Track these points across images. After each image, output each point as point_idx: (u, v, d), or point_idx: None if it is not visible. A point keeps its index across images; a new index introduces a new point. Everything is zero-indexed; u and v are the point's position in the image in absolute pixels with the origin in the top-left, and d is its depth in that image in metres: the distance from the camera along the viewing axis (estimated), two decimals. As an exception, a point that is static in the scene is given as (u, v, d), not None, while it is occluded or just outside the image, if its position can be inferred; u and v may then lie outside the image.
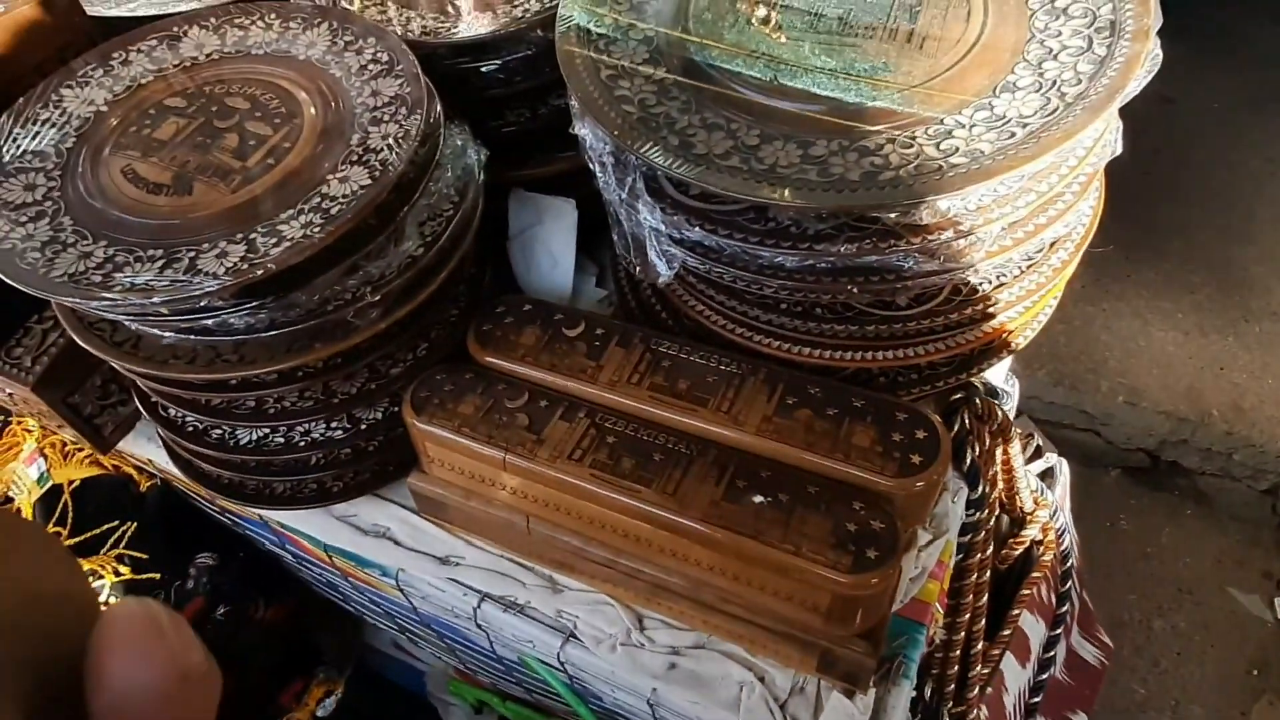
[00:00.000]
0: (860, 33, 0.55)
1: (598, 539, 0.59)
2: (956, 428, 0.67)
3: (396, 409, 0.64)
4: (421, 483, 0.65)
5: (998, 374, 0.77)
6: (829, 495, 0.53)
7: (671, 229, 0.52)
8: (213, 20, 0.64)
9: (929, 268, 0.50)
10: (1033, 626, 0.91)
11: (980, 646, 0.78)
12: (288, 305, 0.53)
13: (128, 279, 0.49)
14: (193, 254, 0.51)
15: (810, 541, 0.51)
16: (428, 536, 0.67)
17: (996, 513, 0.79)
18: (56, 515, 0.87)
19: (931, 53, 0.53)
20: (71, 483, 0.88)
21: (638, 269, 0.55)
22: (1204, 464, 1.74)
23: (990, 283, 0.57)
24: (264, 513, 0.69)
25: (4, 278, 0.49)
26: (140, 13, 0.77)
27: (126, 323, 0.54)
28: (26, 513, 0.88)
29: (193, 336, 0.54)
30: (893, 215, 0.47)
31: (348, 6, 0.72)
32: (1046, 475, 0.98)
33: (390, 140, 0.55)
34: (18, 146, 0.56)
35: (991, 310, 0.58)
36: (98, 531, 0.84)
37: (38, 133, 0.57)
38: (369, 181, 0.53)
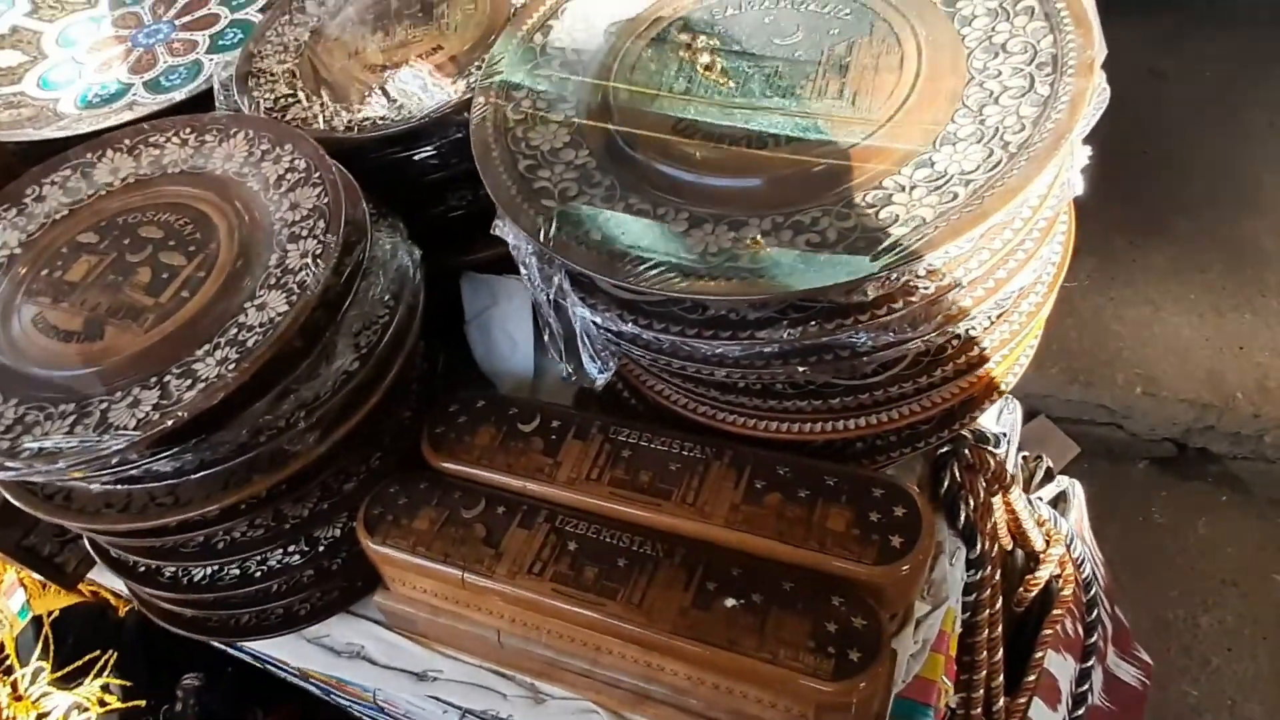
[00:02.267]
0: (790, 93, 0.51)
1: (570, 651, 0.56)
2: (947, 483, 0.63)
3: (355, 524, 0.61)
4: (388, 600, 0.62)
5: (989, 414, 0.73)
6: (806, 591, 0.49)
7: (604, 324, 0.49)
8: (127, 142, 0.62)
9: (884, 341, 0.46)
10: (1060, 665, 0.86)
11: (1002, 703, 0.73)
12: (214, 445, 0.50)
13: (35, 443, 0.46)
14: (105, 405, 0.48)
15: (788, 647, 0.47)
16: (403, 652, 0.64)
17: (1002, 565, 0.74)
18: (39, 649, 0.85)
19: (865, 108, 0.49)
20: (51, 613, 0.86)
21: (569, 374, 0.52)
22: (1234, 448, 1.67)
23: (959, 338, 0.53)
24: (231, 644, 0.67)
25: (-90, 453, 0.47)
26: (68, 132, 0.75)
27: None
28: (9, 647, 0.86)
29: (120, 486, 0.51)
30: (842, 295, 0.43)
31: (270, 106, 0.69)
32: (1060, 500, 0.94)
33: (309, 259, 0.52)
34: (-73, 303, 0.54)
35: (964, 366, 0.54)
36: (79, 664, 0.82)
37: (-52, 286, 0.55)
38: (286, 307, 0.50)
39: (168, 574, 0.61)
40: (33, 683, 0.81)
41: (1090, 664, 0.91)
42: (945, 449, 0.63)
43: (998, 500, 0.69)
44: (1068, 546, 0.84)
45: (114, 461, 0.46)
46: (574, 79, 0.58)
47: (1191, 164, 1.98)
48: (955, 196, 0.44)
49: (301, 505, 0.59)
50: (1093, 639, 0.90)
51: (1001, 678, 0.72)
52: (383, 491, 0.59)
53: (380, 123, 0.67)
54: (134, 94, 0.83)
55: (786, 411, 0.54)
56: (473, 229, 0.73)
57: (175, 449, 0.48)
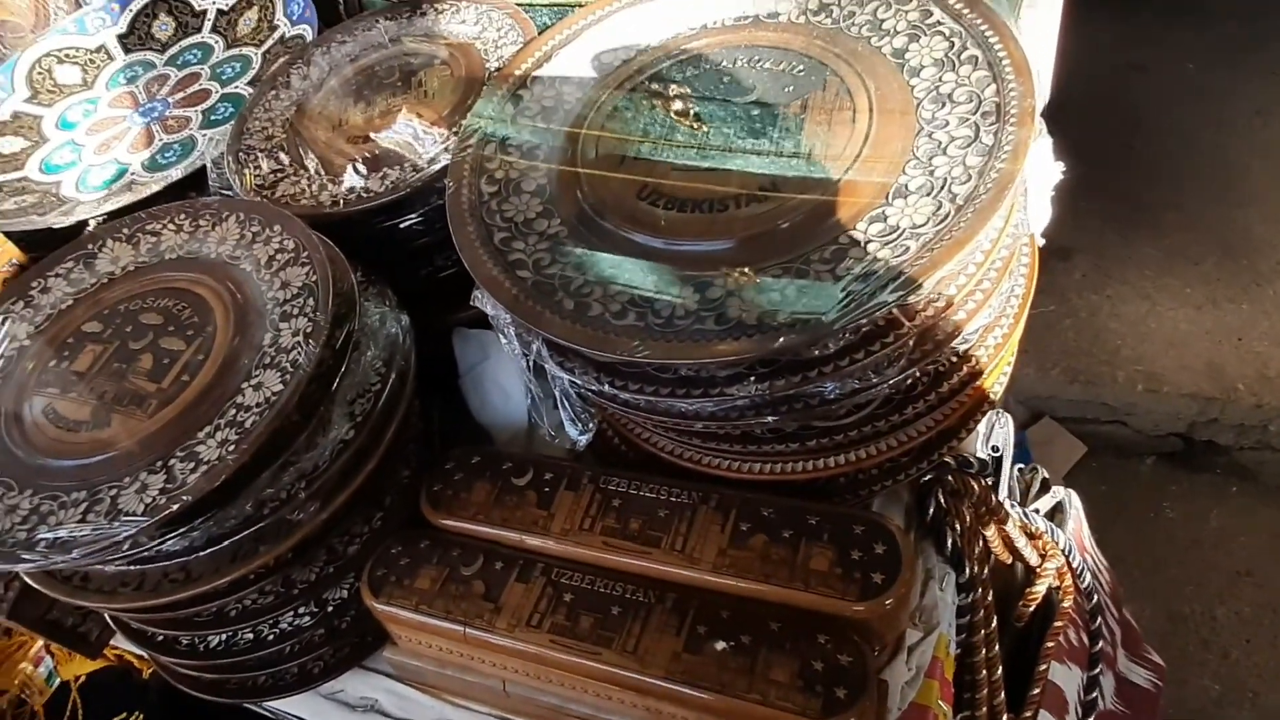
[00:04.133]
0: (749, 151, 0.54)
1: (573, 698, 0.58)
2: (932, 511, 0.64)
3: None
4: (397, 655, 0.64)
5: (977, 433, 0.75)
6: (793, 630, 0.51)
7: (584, 385, 0.51)
8: (125, 231, 0.65)
9: (850, 388, 0.48)
10: (1066, 676, 0.87)
11: (1006, 719, 0.74)
12: (220, 520, 0.53)
13: (50, 533, 0.49)
14: (114, 491, 0.51)
15: (778, 687, 0.49)
16: (414, 704, 0.66)
17: (1000, 581, 0.76)
18: (68, 714, 0.87)
19: (822, 162, 0.51)
20: (78, 678, 0.89)
21: (551, 435, 0.54)
22: (1240, 439, 1.67)
23: (927, 377, 0.55)
24: (250, 704, 0.69)
25: (-66, 549, 0.50)
26: (76, 218, 0.78)
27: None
28: (40, 715, 0.88)
29: (134, 567, 0.54)
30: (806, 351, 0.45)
31: (260, 183, 0.72)
32: (1056, 510, 0.95)
33: (300, 337, 0.55)
34: (-56, 402, 0.56)
35: (935, 402, 0.56)
36: (107, 727, 0.85)
37: (-37, 382, 0.58)
38: (281, 386, 0.53)
39: (184, 642, 0.63)
40: (63, 749, 0.84)
41: (1097, 671, 0.92)
42: (928, 477, 0.64)
43: (987, 523, 0.70)
44: (1066, 558, 0.86)
45: (125, 546, 0.49)
46: (548, 139, 0.61)
47: (1177, 156, 1.99)
48: (907, 250, 0.46)
49: (309, 570, 0.62)
50: (1097, 647, 0.91)
51: (1003, 695, 0.73)
52: (385, 552, 0.61)
53: (365, 194, 0.70)
54: (133, 173, 0.86)
55: (767, 454, 0.56)
56: (461, 287, 0.75)
57: (183, 529, 0.51)
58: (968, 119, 0.50)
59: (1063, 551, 0.85)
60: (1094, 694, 0.91)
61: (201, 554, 0.54)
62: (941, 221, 0.46)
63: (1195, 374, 1.68)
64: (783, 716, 0.48)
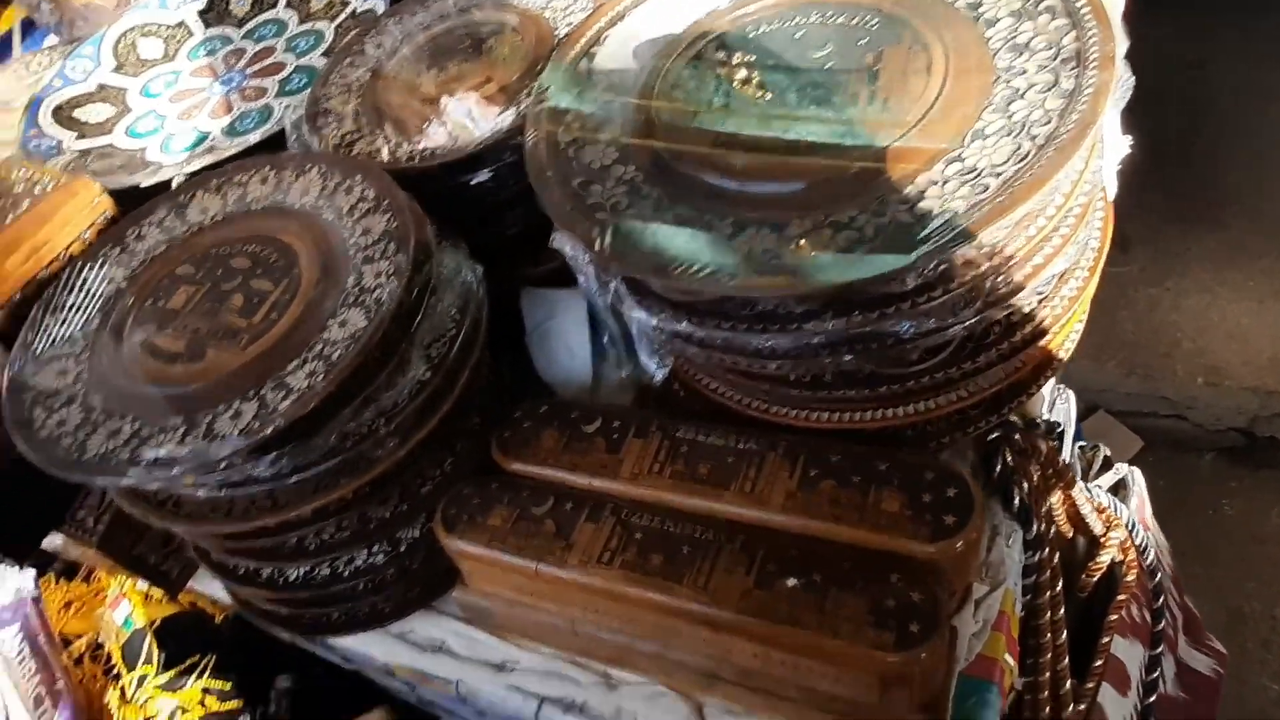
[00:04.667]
0: (825, 102, 0.55)
1: (641, 635, 0.59)
2: (999, 468, 0.64)
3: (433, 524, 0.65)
4: (466, 595, 0.66)
5: (1040, 404, 0.74)
6: (863, 570, 0.51)
7: (660, 325, 0.52)
8: (214, 183, 0.68)
9: (926, 328, 0.49)
10: (1128, 651, 0.86)
11: (1069, 685, 0.74)
12: (306, 450, 0.55)
13: (151, 453, 0.51)
14: (209, 418, 0.53)
15: (849, 622, 0.49)
16: (482, 645, 0.68)
17: (1062, 551, 0.75)
18: (144, 655, 0.91)
19: (896, 111, 0.52)
20: (153, 622, 0.92)
21: (625, 373, 0.55)
22: (1304, 435, 1.63)
23: (1000, 324, 0.55)
24: (323, 640, 0.71)
25: (44, 466, 0.52)
26: (161, 177, 0.82)
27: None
28: (116, 655, 0.92)
29: (224, 491, 0.56)
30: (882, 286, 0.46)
31: (338, 142, 0.75)
32: (1119, 488, 0.94)
33: (383, 278, 0.57)
34: (49, 336, 0.59)
35: (1009, 350, 0.56)
36: (181, 667, 0.88)
37: (65, 319, 0.61)
38: (365, 322, 0.55)
39: (265, 574, 0.65)
40: (139, 688, 0.87)
41: (1159, 651, 0.90)
42: (995, 435, 0.64)
43: (1053, 485, 0.70)
44: (1129, 532, 0.85)
45: (221, 466, 0.51)
46: (618, 100, 0.62)
47: (1236, 151, 1.95)
48: (986, 188, 0.46)
49: (384, 508, 0.64)
50: (1160, 625, 0.90)
51: (1067, 660, 0.72)
52: (458, 493, 0.63)
53: (439, 152, 0.72)
54: (213, 139, 0.89)
55: (836, 401, 0.57)
56: (529, 246, 0.77)
57: (273, 454, 0.53)
58: (1046, 65, 0.50)
59: (1126, 525, 0.84)
60: (1156, 673, 0.90)
61: (288, 481, 0.56)
62: (1022, 160, 0.46)
63: (1258, 368, 1.64)
64: (855, 649, 0.49)
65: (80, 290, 0.62)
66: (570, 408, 0.65)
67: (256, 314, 0.58)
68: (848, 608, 0.50)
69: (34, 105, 0.95)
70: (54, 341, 0.59)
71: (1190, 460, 1.75)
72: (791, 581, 0.52)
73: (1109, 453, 0.98)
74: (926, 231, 0.45)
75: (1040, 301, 0.56)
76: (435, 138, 0.73)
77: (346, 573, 0.65)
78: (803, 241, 0.47)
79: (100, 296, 0.62)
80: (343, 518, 0.62)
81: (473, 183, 0.72)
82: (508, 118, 0.71)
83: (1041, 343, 0.57)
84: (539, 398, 0.69)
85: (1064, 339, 0.61)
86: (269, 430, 0.50)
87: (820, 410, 0.59)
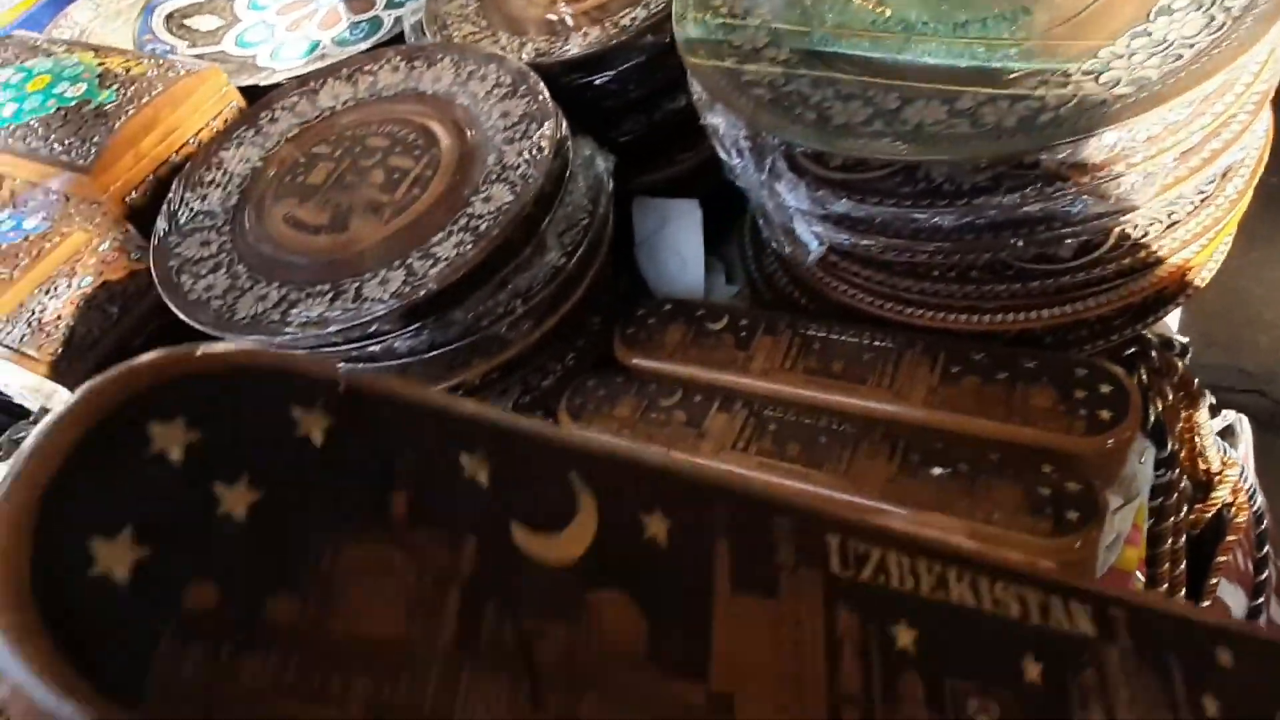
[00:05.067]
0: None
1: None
2: (1135, 381, 0.63)
3: (551, 421, 0.65)
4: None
5: (1169, 326, 0.72)
6: (1013, 461, 0.50)
7: (816, 205, 0.51)
8: (344, 71, 0.68)
9: (1097, 210, 0.47)
10: (1233, 595, 0.84)
11: (1181, 619, 0.72)
12: (446, 324, 0.55)
13: (303, 313, 0.51)
14: (357, 284, 0.53)
15: (1002, 510, 0.48)
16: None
17: (1188, 473, 0.73)
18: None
19: (1072, -9, 0.50)
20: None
21: (787, 249, 0.54)
22: (1392, 413, 1.58)
23: (1161, 222, 0.54)
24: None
25: (195, 324, 0.53)
26: (276, 80, 0.82)
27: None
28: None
29: (360, 364, 0.56)
30: (1059, 156, 0.44)
31: (461, 41, 0.74)
32: (1227, 433, 0.91)
33: (526, 155, 0.56)
34: (190, 209, 0.60)
35: (1164, 253, 0.54)
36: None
37: (205, 194, 0.61)
38: (511, 197, 0.54)
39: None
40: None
41: (1260, 601, 0.88)
42: (1132, 350, 0.63)
43: (1182, 409, 0.68)
44: (1240, 474, 0.83)
45: (371, 330, 0.51)
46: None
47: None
48: (1180, 58, 0.44)
49: (505, 399, 0.64)
50: (1264, 575, 0.88)
51: (1184, 592, 0.71)
52: (581, 384, 0.62)
53: (562, 50, 0.71)
54: (323, 47, 0.90)
55: (980, 299, 0.56)
56: (645, 153, 0.76)
57: (418, 324, 0.53)
58: (1234, -59, 0.48)
59: (1238, 467, 0.82)
60: (1257, 621, 0.88)
61: (424, 356, 0.56)
62: (1217, 31, 0.45)
63: (1347, 342, 1.58)
64: (1008, 536, 0.48)
65: (218, 169, 0.63)
66: (695, 306, 0.64)
67: (398, 190, 0.58)
68: (1000, 494, 0.49)
69: (147, 11, 0.96)
70: (195, 215, 0.60)
71: (1270, 440, 1.69)
72: (937, 470, 0.51)
73: (1214, 400, 0.95)
74: (1114, 99, 0.44)
75: (1204, 200, 0.54)
76: (554, 40, 0.72)
77: (466, 462, 0.65)
78: (981, 109, 0.46)
79: (237, 175, 0.63)
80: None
81: (595, 83, 0.71)
82: (606, 30, 0.70)
83: (1196, 249, 0.56)
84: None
85: (1214, 249, 0.59)
86: (420, 294, 0.50)
87: (957, 311, 0.58)
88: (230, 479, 0.18)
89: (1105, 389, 0.51)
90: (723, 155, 0.55)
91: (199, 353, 0.19)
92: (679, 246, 0.77)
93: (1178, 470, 0.64)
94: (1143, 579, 0.61)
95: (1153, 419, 0.63)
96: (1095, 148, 0.44)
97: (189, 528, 0.17)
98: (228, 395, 0.19)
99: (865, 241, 0.52)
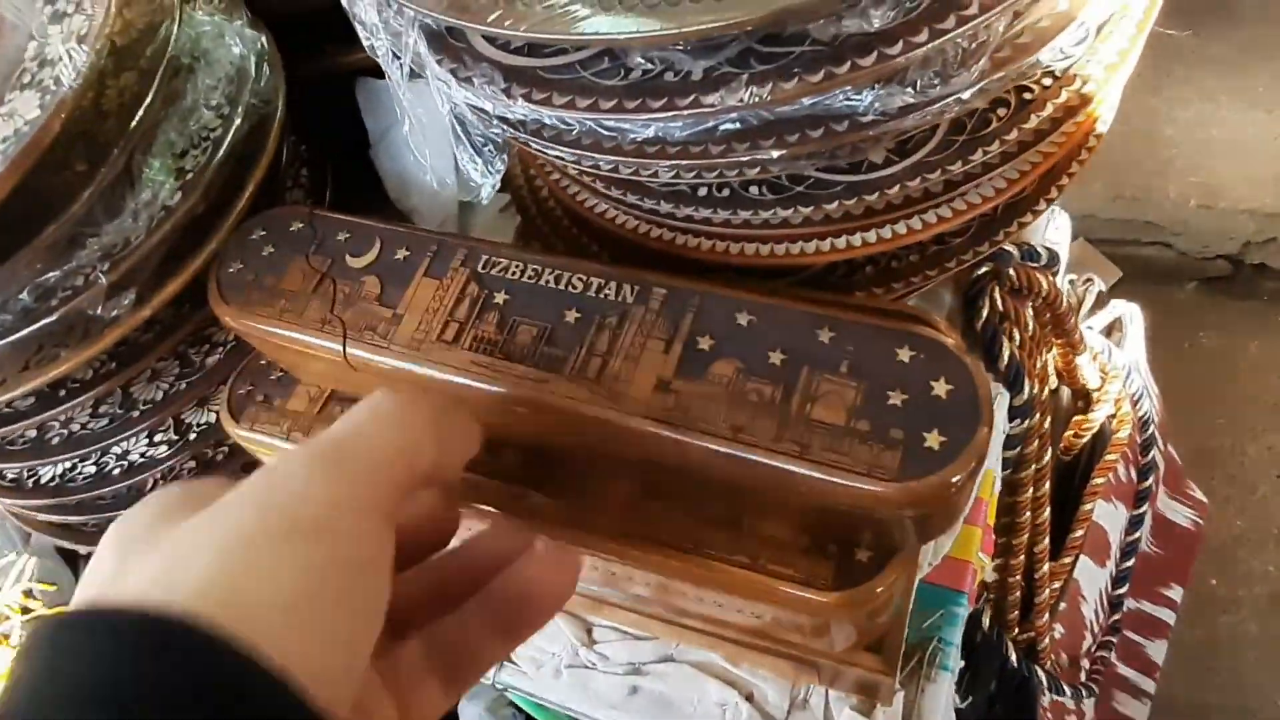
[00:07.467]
0: None
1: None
2: (986, 313, 0.48)
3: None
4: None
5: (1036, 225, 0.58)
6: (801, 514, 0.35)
7: (486, 104, 0.33)
8: None
9: (899, 103, 0.31)
10: (1110, 516, 0.75)
11: (1047, 568, 0.62)
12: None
13: None
14: None
15: (770, 549, 0.34)
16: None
17: (1051, 405, 0.61)
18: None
19: None
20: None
21: (438, 184, 0.37)
22: (1297, 262, 1.50)
23: (1008, 106, 0.37)
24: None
25: None
26: None
27: None
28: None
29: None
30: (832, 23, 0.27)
31: None
32: (1114, 328, 0.79)
33: (71, 44, 0.37)
34: None
35: (1015, 147, 0.38)
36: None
37: None
38: (38, 112, 0.35)
39: (10, 475, 0.49)
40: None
41: (1143, 510, 0.79)
42: (983, 270, 0.48)
43: (1049, 334, 0.54)
44: (1125, 381, 0.71)
45: None
46: None
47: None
48: None
49: (155, 385, 0.47)
50: (1146, 483, 0.78)
51: (1046, 541, 0.60)
52: (253, 362, 0.45)
53: None
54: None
55: (764, 226, 0.39)
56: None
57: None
58: None
59: (1122, 375, 0.70)
60: (1136, 534, 0.79)
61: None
62: None
63: (1259, 186, 1.48)
64: (779, 587, 0.34)
65: None
66: (337, 227, 0.38)
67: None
68: (771, 526, 0.35)
69: None
70: None
71: (1169, 291, 1.62)
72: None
73: (1103, 287, 0.83)
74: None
75: (1067, 71, 0.38)
76: None
77: (117, 470, 0.48)
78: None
79: None
80: (98, 399, 0.45)
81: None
82: None
83: (1060, 136, 0.40)
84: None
85: (1091, 127, 0.43)
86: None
87: (742, 241, 0.41)
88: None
89: (939, 389, 0.33)
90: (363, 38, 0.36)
91: None
92: (424, 147, 0.58)
93: (1038, 415, 0.51)
94: (987, 560, 0.49)
95: (1006, 357, 0.49)
96: (878, 7, 0.27)
97: None
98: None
99: (567, 154, 0.34)
